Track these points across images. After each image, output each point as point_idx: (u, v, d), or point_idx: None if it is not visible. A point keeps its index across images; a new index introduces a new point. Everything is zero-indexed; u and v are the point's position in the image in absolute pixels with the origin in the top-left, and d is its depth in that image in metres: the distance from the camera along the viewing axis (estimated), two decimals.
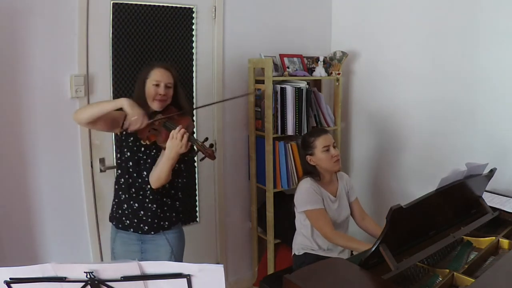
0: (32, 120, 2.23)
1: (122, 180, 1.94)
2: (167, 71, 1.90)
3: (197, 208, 2.93)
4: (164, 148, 1.80)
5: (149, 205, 1.91)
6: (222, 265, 1.10)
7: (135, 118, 1.75)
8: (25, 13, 2.14)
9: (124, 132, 1.92)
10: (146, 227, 1.92)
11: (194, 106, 2.70)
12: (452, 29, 2.50)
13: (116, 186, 1.98)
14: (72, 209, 2.40)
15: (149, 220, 1.92)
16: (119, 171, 1.95)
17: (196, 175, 2.88)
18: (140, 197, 1.91)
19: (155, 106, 1.88)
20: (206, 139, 1.84)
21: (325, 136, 2.28)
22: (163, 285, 1.11)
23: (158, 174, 1.82)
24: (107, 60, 2.42)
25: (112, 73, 2.45)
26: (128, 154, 1.92)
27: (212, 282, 1.10)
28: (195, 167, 2.87)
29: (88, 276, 1.09)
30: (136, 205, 1.91)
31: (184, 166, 1.99)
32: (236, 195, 3.04)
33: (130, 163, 1.91)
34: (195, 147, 1.83)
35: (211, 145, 1.83)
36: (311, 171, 2.31)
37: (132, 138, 1.91)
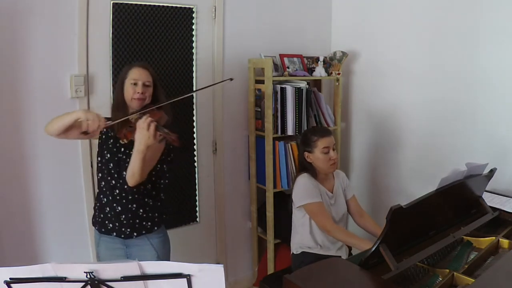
0: (32, 120, 2.23)
1: (103, 183, 1.92)
2: (145, 69, 1.89)
3: (197, 208, 2.93)
4: None
5: (129, 205, 1.89)
6: (222, 265, 1.10)
7: (90, 121, 1.72)
8: (25, 13, 2.14)
9: (103, 136, 1.92)
10: (128, 230, 1.89)
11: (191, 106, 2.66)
12: (452, 29, 2.50)
13: (98, 190, 1.97)
14: (72, 209, 2.41)
15: (131, 221, 1.89)
16: (100, 175, 1.93)
17: (196, 175, 2.88)
18: (124, 200, 1.89)
19: (134, 105, 1.87)
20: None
21: (328, 138, 2.28)
22: (163, 285, 1.11)
23: (132, 170, 1.77)
24: (107, 60, 2.43)
25: (112, 73, 2.45)
26: (108, 156, 1.90)
27: (212, 282, 1.10)
28: (195, 167, 2.87)
29: (88, 276, 1.09)
30: (119, 208, 1.89)
31: (167, 167, 1.95)
32: (236, 195, 3.04)
33: (111, 165, 1.89)
34: (162, 136, 1.76)
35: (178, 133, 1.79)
36: (307, 168, 2.31)
37: (112, 140, 1.90)
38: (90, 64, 2.36)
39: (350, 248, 2.38)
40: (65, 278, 1.09)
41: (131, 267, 1.09)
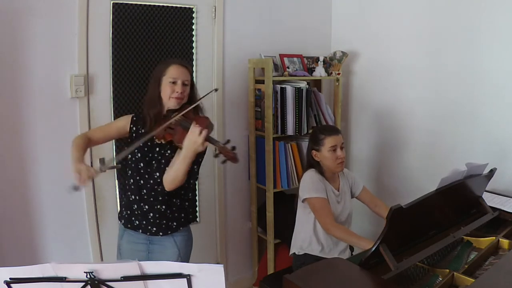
0: (32, 120, 2.23)
1: (132, 180, 1.89)
2: (185, 68, 1.86)
3: (197, 208, 2.91)
4: (181, 148, 1.74)
5: (158, 206, 1.87)
6: (222, 265, 1.10)
7: (82, 172, 1.71)
8: (25, 13, 2.14)
9: (134, 135, 1.89)
10: (155, 229, 1.89)
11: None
12: (453, 29, 2.50)
13: (127, 187, 1.94)
14: (72, 209, 2.40)
15: (157, 221, 1.88)
16: (129, 172, 1.91)
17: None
18: (151, 198, 1.87)
19: (171, 104, 1.83)
20: (228, 141, 1.76)
21: (336, 136, 2.27)
22: (163, 285, 1.11)
23: (175, 175, 1.75)
24: (107, 60, 2.42)
25: (112, 73, 2.45)
26: (139, 155, 1.87)
27: (212, 282, 1.10)
28: None
29: (88, 276, 1.09)
30: (146, 207, 1.87)
31: (197, 168, 1.92)
32: (236, 195, 3.04)
33: (141, 164, 1.86)
34: (216, 150, 1.74)
35: (233, 148, 1.74)
36: (314, 166, 2.31)
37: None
38: (90, 64, 2.36)
39: (352, 251, 2.37)
40: (65, 278, 1.09)
41: (131, 267, 1.09)
